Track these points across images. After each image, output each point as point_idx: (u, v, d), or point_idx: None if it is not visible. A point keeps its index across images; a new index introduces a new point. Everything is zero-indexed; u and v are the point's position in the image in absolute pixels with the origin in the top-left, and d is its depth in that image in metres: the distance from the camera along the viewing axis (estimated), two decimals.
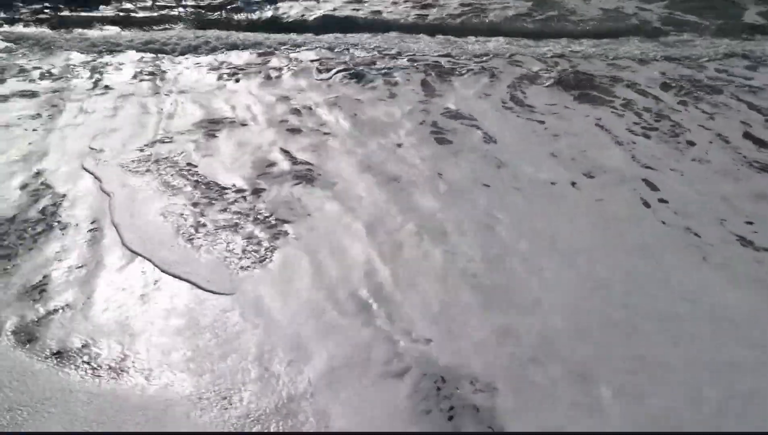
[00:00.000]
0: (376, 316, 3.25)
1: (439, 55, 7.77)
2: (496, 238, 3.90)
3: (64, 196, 4.42)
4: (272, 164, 4.90)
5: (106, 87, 6.70)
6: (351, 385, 2.83)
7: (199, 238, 3.94)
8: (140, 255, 3.76)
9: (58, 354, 3.05)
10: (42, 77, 6.97)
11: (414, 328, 3.16)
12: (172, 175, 4.70)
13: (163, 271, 3.62)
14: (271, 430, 2.59)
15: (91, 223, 4.11)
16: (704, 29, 8.83)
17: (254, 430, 2.62)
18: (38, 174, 4.71)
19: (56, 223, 4.10)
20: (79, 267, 3.67)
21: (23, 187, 4.52)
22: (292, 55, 7.84)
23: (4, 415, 2.70)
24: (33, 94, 6.40)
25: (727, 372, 2.87)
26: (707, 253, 3.77)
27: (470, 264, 3.65)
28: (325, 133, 5.47)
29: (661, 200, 4.35)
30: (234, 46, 8.17)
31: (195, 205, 4.30)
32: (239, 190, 4.50)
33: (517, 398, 2.74)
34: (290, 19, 9.36)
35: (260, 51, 8.03)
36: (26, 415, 2.70)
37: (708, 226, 4.04)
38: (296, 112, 5.98)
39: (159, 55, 7.90)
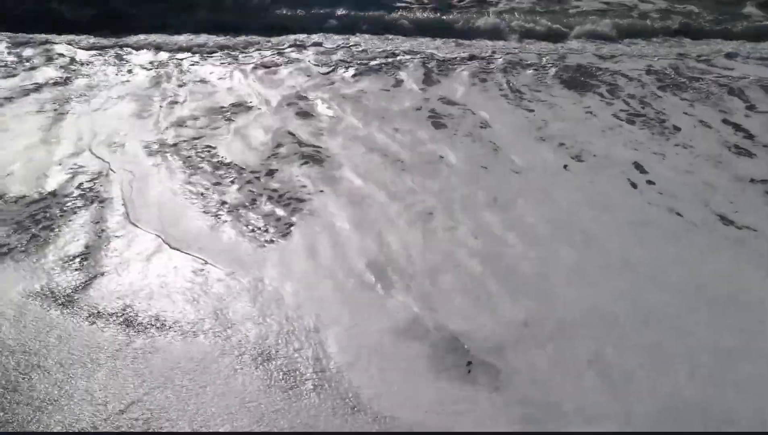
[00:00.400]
0: (393, 286, 3.52)
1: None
2: (498, 216, 4.19)
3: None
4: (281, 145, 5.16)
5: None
6: (374, 345, 3.10)
7: (221, 214, 4.19)
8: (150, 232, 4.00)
9: (98, 315, 3.28)
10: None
11: (430, 297, 3.44)
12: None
13: (173, 248, 3.86)
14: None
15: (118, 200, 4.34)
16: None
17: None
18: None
19: (90, 199, 4.33)
20: (108, 240, 3.90)
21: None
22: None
23: (56, 372, 2.92)
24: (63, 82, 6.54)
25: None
26: (690, 229, 4.10)
27: (477, 240, 3.94)
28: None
29: (649, 182, 4.67)
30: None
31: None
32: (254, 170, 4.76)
33: (522, 357, 3.03)
34: None
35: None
36: (79, 372, 2.93)
37: (691, 206, 4.36)
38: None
39: None
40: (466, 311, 3.33)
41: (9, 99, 6.12)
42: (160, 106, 6.02)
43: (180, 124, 5.61)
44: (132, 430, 2.63)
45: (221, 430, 2.67)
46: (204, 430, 2.68)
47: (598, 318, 3.28)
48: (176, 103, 6.13)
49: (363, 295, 3.46)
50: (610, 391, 2.84)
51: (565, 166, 4.88)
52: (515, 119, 5.79)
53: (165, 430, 2.67)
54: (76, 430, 2.66)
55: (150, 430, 2.66)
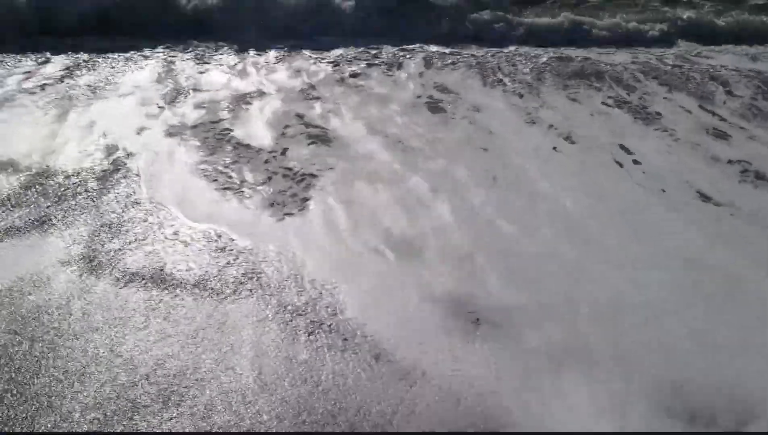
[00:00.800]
0: (404, 255, 3.85)
1: None
2: (499, 192, 4.54)
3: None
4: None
5: None
6: (392, 306, 3.43)
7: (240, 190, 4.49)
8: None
9: (127, 280, 3.57)
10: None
11: (438, 265, 3.77)
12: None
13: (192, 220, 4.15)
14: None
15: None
16: None
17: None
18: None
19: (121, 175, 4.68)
20: (134, 215, 4.18)
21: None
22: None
23: (91, 335, 3.20)
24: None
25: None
26: (673, 204, 4.48)
27: (481, 213, 4.28)
28: None
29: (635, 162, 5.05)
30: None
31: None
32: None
33: (524, 314, 3.38)
34: None
35: None
36: (115, 332, 3.22)
37: (674, 184, 4.74)
38: None
39: None
40: (473, 278, 3.66)
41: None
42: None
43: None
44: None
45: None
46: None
47: (580, 265, 3.65)
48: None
49: (376, 262, 3.78)
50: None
51: None
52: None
53: (195, 388, 2.96)
54: (107, 395, 2.92)
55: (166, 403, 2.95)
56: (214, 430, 2.70)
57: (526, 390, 2.92)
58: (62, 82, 6.42)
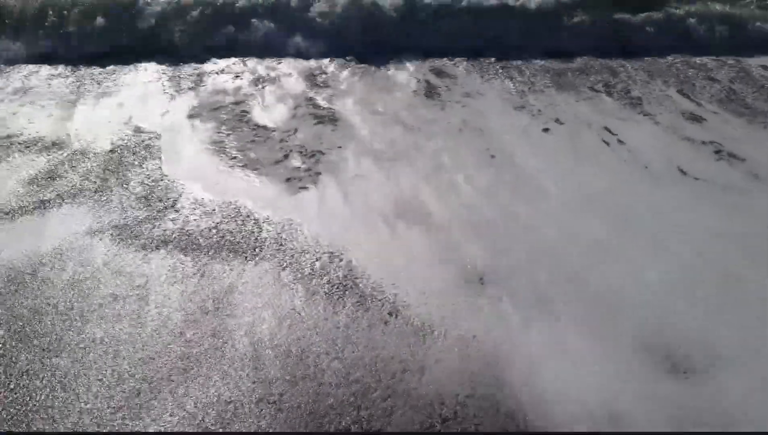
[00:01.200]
0: (414, 222, 4.23)
1: None
2: (496, 167, 4.92)
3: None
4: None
5: None
6: (404, 267, 3.81)
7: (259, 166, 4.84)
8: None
9: (159, 245, 3.92)
10: None
11: (447, 232, 4.15)
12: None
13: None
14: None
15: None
16: None
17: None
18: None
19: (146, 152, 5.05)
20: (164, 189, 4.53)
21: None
22: None
23: (111, 304, 3.55)
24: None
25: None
26: (655, 177, 4.90)
27: (483, 185, 4.67)
28: None
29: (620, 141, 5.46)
30: None
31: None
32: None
33: (521, 276, 3.78)
34: None
35: None
36: (145, 294, 3.56)
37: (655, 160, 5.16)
38: None
39: None
40: (478, 243, 4.05)
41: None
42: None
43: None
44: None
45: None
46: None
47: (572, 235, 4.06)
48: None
49: (386, 228, 4.15)
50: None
51: None
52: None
53: (225, 340, 3.31)
54: (149, 352, 3.27)
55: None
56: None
57: (525, 335, 3.33)
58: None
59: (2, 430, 2.79)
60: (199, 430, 2.84)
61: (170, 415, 2.88)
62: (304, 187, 4.60)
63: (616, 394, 3.00)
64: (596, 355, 3.21)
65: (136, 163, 4.91)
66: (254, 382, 3.05)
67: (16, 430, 2.79)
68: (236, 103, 5.98)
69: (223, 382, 3.05)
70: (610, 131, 5.59)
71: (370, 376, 3.09)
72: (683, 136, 5.58)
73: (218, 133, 5.39)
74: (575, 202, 4.49)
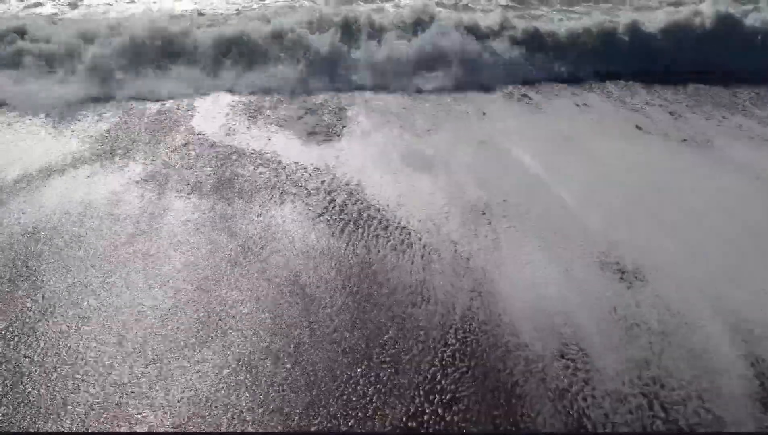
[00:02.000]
0: (424, 170, 5.18)
1: None
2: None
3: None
4: None
5: None
6: (417, 204, 4.74)
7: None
8: None
9: (193, 190, 4.83)
10: None
11: (455, 176, 5.10)
12: None
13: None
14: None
15: None
16: None
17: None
18: None
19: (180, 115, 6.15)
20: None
21: None
22: None
23: (166, 236, 4.46)
24: None
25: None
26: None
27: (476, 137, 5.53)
28: None
29: None
30: None
31: None
32: None
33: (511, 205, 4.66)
34: None
35: None
36: (184, 231, 4.48)
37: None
38: None
39: None
40: (482, 185, 4.98)
41: None
42: None
43: None
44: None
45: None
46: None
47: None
48: None
49: (403, 174, 5.12)
50: None
51: None
52: None
53: (261, 262, 4.20)
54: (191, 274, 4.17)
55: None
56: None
57: (505, 254, 4.24)
58: None
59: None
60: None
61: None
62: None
63: (576, 296, 3.89)
64: (564, 269, 4.11)
65: (168, 125, 5.93)
66: (288, 288, 3.94)
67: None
68: None
69: (257, 288, 3.97)
70: None
71: (387, 286, 4.00)
72: None
73: None
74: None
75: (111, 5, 9.32)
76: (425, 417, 3.01)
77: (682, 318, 3.70)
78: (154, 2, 9.51)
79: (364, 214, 4.57)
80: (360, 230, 4.41)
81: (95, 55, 6.84)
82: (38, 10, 9.10)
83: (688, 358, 3.41)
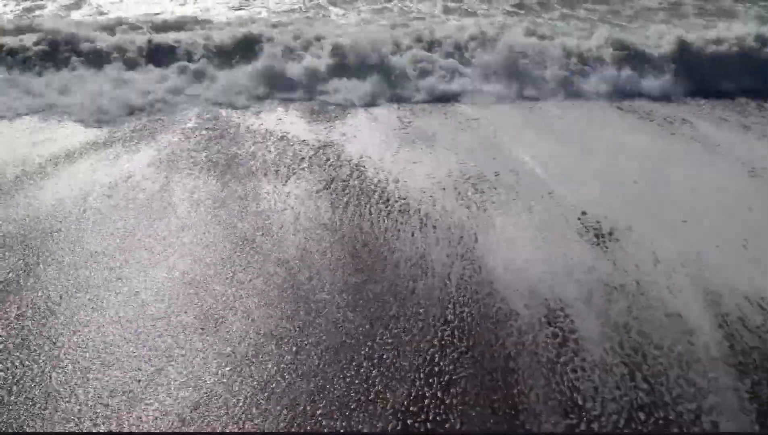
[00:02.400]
0: (425, 145, 5.51)
1: None
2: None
3: None
4: None
5: None
6: (418, 177, 4.97)
7: None
8: None
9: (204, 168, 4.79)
10: None
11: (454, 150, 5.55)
12: None
13: None
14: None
15: None
16: None
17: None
18: None
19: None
20: None
21: None
22: None
23: (179, 209, 4.52)
24: None
25: None
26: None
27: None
28: None
29: None
30: None
31: None
32: None
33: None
34: None
35: None
36: (198, 199, 4.48)
37: None
38: None
39: None
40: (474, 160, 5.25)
41: None
42: None
43: None
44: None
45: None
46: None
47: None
48: None
49: (405, 148, 5.39)
50: None
51: None
52: None
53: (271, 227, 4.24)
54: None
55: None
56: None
57: (492, 218, 4.44)
58: None
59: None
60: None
61: None
62: None
63: (557, 256, 4.13)
64: (546, 233, 4.33)
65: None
66: (303, 251, 4.10)
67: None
68: None
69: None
70: None
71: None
72: None
73: None
74: None
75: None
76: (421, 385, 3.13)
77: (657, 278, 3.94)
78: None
79: None
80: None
81: None
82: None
83: (663, 321, 3.62)
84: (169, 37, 7.56)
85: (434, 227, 4.36)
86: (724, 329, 3.51)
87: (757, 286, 3.80)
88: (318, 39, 7.50)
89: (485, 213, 4.53)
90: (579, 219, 4.44)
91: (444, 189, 4.84)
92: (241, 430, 2.88)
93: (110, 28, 7.87)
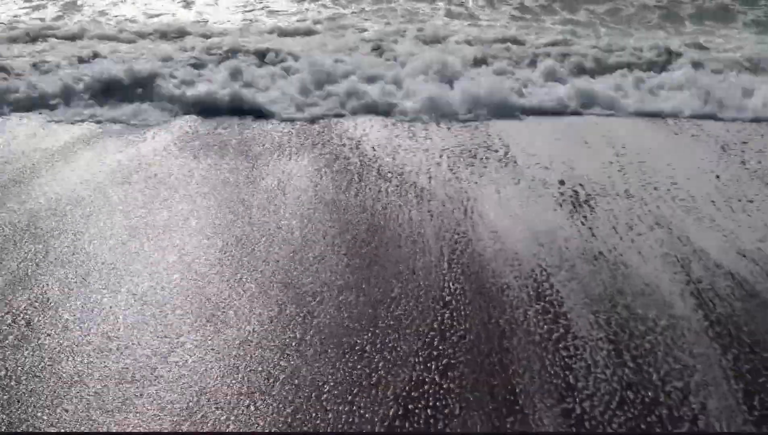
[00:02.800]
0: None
1: None
2: None
3: None
4: None
5: None
6: (416, 158, 5.01)
7: None
8: None
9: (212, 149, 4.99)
10: None
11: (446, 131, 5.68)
12: None
13: None
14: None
15: None
16: None
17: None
18: None
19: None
20: None
21: None
22: None
23: (186, 186, 4.61)
24: None
25: None
26: None
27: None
28: None
29: None
30: None
31: None
32: None
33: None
34: None
35: None
36: (204, 176, 4.60)
37: None
38: None
39: None
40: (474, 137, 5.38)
41: None
42: None
43: None
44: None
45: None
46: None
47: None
48: None
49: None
50: None
51: None
52: None
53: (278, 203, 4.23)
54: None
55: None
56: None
57: (483, 188, 4.55)
58: None
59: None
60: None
61: None
62: None
63: (539, 215, 4.35)
64: (533, 198, 4.52)
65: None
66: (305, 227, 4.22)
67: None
68: None
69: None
70: None
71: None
72: None
73: None
74: None
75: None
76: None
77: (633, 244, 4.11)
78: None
79: None
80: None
81: None
82: None
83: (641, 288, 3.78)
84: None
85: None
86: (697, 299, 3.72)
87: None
88: None
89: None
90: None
91: None
92: (243, 414, 2.90)
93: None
